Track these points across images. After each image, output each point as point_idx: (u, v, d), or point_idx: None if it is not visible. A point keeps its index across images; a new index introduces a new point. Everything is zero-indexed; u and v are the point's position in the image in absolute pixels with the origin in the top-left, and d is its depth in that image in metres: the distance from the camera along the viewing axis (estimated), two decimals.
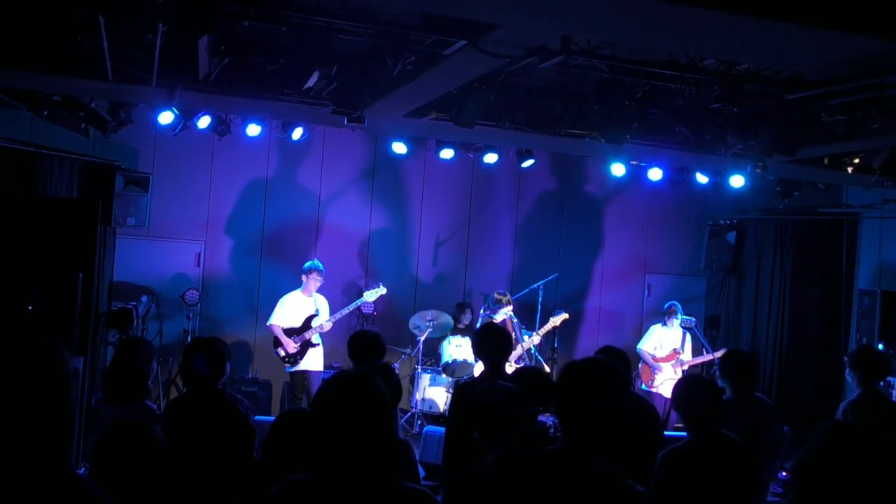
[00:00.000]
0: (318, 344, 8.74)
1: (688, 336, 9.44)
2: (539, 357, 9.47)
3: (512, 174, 10.79)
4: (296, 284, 8.84)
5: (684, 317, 9.37)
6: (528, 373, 4.49)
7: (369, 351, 4.93)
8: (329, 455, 2.32)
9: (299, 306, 8.69)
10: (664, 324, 9.51)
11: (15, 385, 2.01)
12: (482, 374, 5.13)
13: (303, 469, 2.44)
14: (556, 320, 9.09)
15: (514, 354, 8.68)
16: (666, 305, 9.63)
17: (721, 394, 4.22)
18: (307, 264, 8.83)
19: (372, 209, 10.69)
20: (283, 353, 8.60)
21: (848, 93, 6.10)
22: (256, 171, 10.21)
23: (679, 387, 4.22)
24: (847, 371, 5.42)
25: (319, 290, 8.84)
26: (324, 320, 8.65)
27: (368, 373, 2.50)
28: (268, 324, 8.81)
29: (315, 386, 8.56)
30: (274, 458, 3.27)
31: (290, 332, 8.62)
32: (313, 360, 8.68)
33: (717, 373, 5.35)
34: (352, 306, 8.87)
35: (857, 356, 5.42)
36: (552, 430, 3.89)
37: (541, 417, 3.71)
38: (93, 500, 2.05)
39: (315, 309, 8.69)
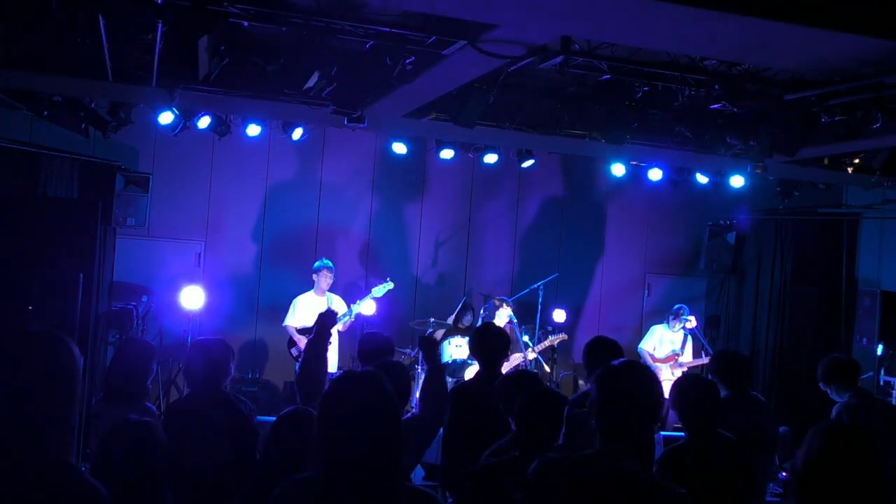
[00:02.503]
0: (331, 343, 8.68)
1: (689, 338, 9.41)
2: (539, 357, 9.46)
3: (512, 174, 10.78)
4: (296, 284, 8.85)
5: (685, 317, 9.34)
6: (521, 376, 4.48)
7: (379, 354, 4.92)
8: (335, 454, 2.31)
9: (312, 306, 8.64)
10: (667, 324, 9.47)
11: (23, 375, 2.03)
12: (477, 374, 5.13)
13: (304, 468, 2.44)
14: (554, 339, 9.05)
15: (515, 361, 8.62)
16: (675, 308, 9.54)
17: (718, 393, 4.22)
18: (316, 264, 8.82)
19: (372, 209, 10.69)
20: (296, 353, 8.60)
21: (848, 93, 6.11)
22: (256, 172, 10.20)
23: (677, 386, 4.22)
24: (826, 389, 5.42)
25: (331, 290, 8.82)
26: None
27: (376, 372, 2.50)
28: (283, 325, 8.82)
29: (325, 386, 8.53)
30: (275, 457, 3.27)
31: (303, 333, 8.60)
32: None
33: (711, 374, 5.36)
34: (360, 303, 8.80)
35: (825, 370, 5.43)
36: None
37: None
38: (89, 492, 2.06)
39: (328, 308, 8.63)
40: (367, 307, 9.04)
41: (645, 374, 2.75)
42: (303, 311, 8.68)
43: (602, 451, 2.67)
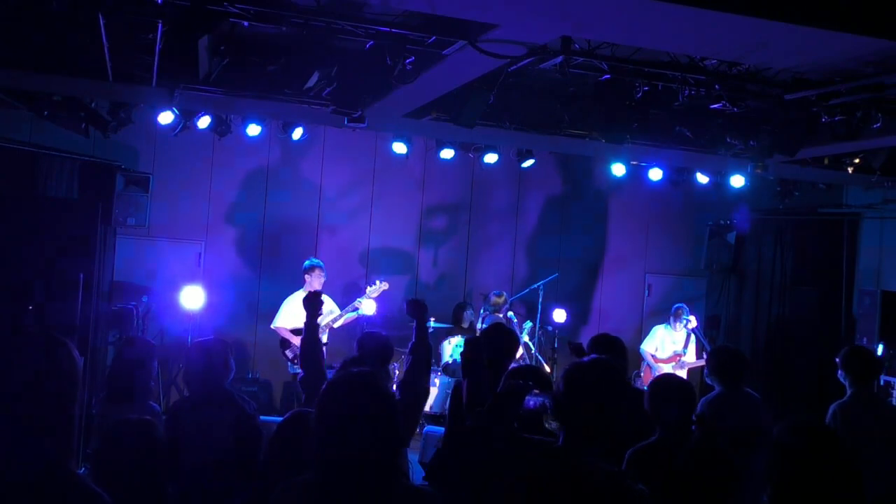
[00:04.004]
0: (326, 344, 8.66)
1: (692, 337, 9.40)
2: (539, 357, 9.47)
3: (512, 174, 10.79)
4: (297, 284, 8.82)
5: (685, 317, 9.33)
6: (525, 370, 4.49)
7: (379, 353, 4.92)
8: (332, 456, 2.31)
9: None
10: (669, 324, 9.46)
11: (22, 381, 2.03)
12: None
13: (307, 470, 2.44)
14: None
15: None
16: (674, 308, 9.55)
17: (692, 391, 4.19)
18: (307, 263, 8.75)
19: (372, 209, 10.69)
20: (290, 355, 8.54)
21: (848, 93, 6.11)
22: (256, 171, 10.20)
23: (651, 387, 4.20)
24: (839, 372, 5.40)
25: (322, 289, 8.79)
26: (330, 319, 8.57)
27: (373, 373, 2.50)
28: (272, 326, 8.75)
29: None
30: (278, 458, 3.27)
31: (297, 333, 8.54)
32: None
33: (706, 371, 5.37)
34: (355, 303, 8.79)
35: (848, 357, 5.40)
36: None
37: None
38: (91, 498, 2.06)
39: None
40: (367, 307, 9.01)
41: (610, 373, 2.79)
42: (293, 312, 8.59)
43: (563, 446, 2.72)
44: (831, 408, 5.26)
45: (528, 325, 9.47)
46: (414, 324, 4.84)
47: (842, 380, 5.38)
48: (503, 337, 5.06)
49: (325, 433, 2.33)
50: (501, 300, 9.30)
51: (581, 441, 2.68)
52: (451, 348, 9.36)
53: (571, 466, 2.64)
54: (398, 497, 2.36)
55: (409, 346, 4.79)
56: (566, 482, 2.61)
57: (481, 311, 9.72)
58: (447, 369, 9.26)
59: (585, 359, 2.91)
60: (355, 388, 2.38)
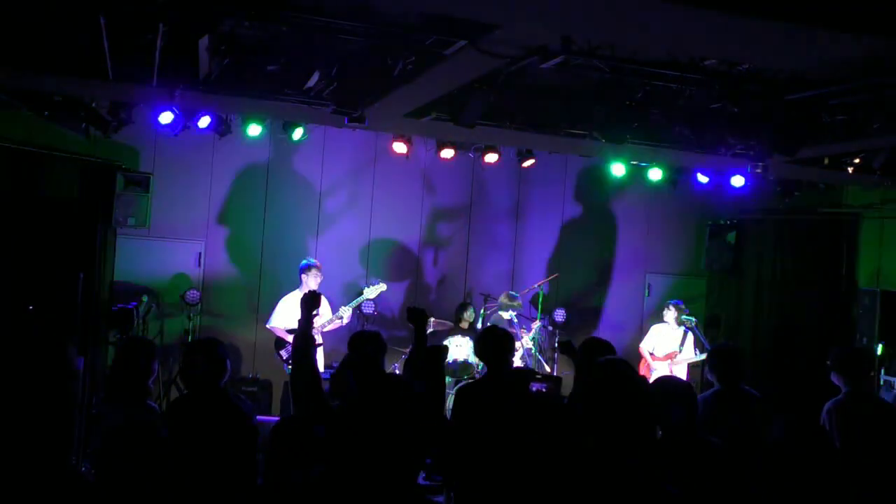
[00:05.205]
0: (321, 344, 8.68)
1: (689, 336, 9.42)
2: (539, 357, 9.47)
3: (512, 174, 10.79)
4: (297, 283, 8.82)
5: (685, 316, 9.35)
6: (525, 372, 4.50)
7: (370, 352, 4.92)
8: (356, 456, 2.28)
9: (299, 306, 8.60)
10: (667, 322, 9.48)
11: (23, 381, 2.03)
12: (483, 375, 5.14)
13: (306, 468, 2.43)
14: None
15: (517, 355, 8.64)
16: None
17: (694, 396, 4.17)
18: (303, 263, 8.75)
19: (372, 209, 10.69)
20: (285, 356, 8.53)
21: (848, 93, 6.10)
22: (257, 171, 10.20)
23: (652, 389, 4.16)
24: (831, 374, 5.40)
25: (320, 289, 8.78)
26: (325, 319, 8.58)
27: (407, 378, 2.50)
28: (268, 326, 8.75)
29: None
30: (278, 457, 3.27)
31: (292, 332, 8.54)
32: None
33: (707, 368, 5.40)
34: (353, 304, 8.81)
35: (837, 357, 5.39)
36: None
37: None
38: (93, 496, 2.06)
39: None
40: (365, 305, 8.99)
41: (629, 370, 2.83)
42: (289, 311, 8.59)
43: (597, 447, 2.71)
44: (826, 406, 5.28)
45: (536, 325, 9.39)
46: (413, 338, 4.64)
47: (835, 381, 5.38)
48: (498, 339, 5.07)
49: (350, 434, 2.30)
50: (516, 303, 9.25)
51: (612, 439, 2.70)
52: (451, 348, 9.35)
53: (609, 468, 2.64)
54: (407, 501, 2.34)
55: (408, 353, 4.67)
56: (605, 484, 2.61)
57: (482, 310, 9.71)
58: (447, 369, 9.25)
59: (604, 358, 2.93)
60: (389, 392, 2.36)
